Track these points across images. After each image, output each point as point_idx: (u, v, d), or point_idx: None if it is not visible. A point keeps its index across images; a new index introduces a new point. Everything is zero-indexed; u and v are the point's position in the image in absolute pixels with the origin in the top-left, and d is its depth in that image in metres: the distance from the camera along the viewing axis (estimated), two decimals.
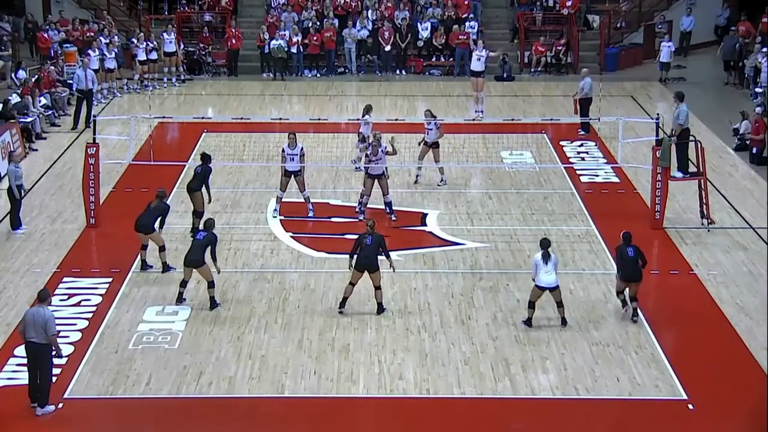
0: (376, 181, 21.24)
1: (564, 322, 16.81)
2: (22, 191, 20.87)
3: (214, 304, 17.49)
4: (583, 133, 27.42)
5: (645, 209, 21.62)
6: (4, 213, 21.69)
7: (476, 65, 29.40)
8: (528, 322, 16.81)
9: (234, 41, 34.07)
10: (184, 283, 17.61)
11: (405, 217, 21.65)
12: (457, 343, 16.41)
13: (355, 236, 17.58)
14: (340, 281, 18.23)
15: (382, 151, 21.19)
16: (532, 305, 16.79)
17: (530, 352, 16.13)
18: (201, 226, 18.29)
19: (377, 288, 17.34)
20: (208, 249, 17.29)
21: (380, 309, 17.38)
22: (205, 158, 20.73)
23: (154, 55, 32.61)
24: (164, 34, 32.95)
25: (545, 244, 16.60)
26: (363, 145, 22.17)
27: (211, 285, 17.50)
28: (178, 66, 33.33)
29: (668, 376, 15.49)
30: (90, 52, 30.74)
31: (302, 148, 21.32)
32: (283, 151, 21.31)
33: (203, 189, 20.51)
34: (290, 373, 15.51)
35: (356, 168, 23.85)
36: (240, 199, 22.68)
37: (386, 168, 21.41)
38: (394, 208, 21.48)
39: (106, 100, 31.00)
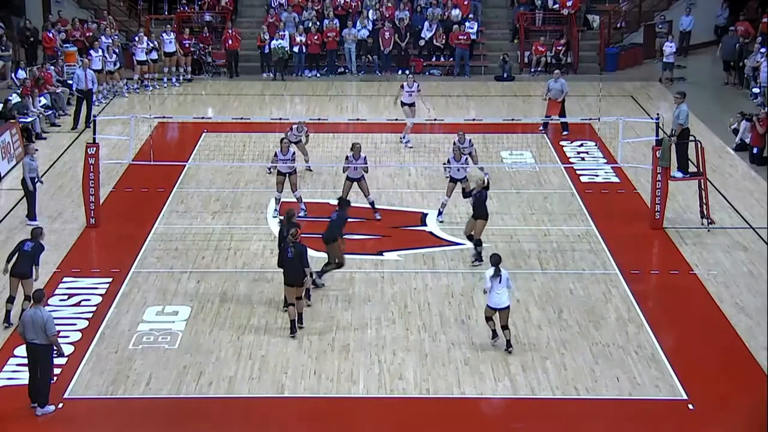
0: (355, 183, 21.14)
1: (509, 345, 15.90)
2: (36, 183, 20.98)
3: (7, 318, 16.67)
4: (541, 129, 27.33)
5: (645, 209, 21.61)
6: (5, 212, 21.73)
7: (406, 98, 26.39)
8: (494, 334, 16.15)
9: (231, 42, 34.00)
10: (11, 299, 16.71)
11: (405, 217, 21.65)
12: (457, 343, 16.40)
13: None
14: (340, 281, 18.23)
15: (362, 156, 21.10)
16: (489, 320, 16.14)
17: (530, 352, 16.12)
18: (30, 236, 16.94)
19: (298, 298, 16.60)
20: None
21: (299, 320, 16.63)
22: (343, 204, 18.60)
23: (154, 55, 32.59)
24: (164, 34, 32.93)
25: (496, 260, 15.85)
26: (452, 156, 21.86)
27: (27, 299, 16.26)
28: (180, 66, 33.28)
29: (668, 376, 15.48)
30: (92, 52, 30.73)
31: (293, 153, 21.41)
32: (275, 155, 21.37)
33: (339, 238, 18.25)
34: (290, 373, 15.50)
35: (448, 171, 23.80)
36: (240, 199, 22.66)
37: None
38: (395, 208, 21.47)
39: (107, 100, 30.99)
